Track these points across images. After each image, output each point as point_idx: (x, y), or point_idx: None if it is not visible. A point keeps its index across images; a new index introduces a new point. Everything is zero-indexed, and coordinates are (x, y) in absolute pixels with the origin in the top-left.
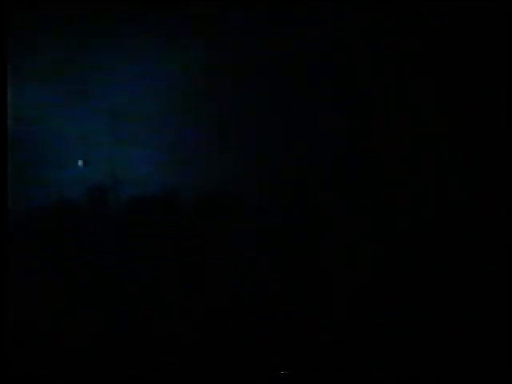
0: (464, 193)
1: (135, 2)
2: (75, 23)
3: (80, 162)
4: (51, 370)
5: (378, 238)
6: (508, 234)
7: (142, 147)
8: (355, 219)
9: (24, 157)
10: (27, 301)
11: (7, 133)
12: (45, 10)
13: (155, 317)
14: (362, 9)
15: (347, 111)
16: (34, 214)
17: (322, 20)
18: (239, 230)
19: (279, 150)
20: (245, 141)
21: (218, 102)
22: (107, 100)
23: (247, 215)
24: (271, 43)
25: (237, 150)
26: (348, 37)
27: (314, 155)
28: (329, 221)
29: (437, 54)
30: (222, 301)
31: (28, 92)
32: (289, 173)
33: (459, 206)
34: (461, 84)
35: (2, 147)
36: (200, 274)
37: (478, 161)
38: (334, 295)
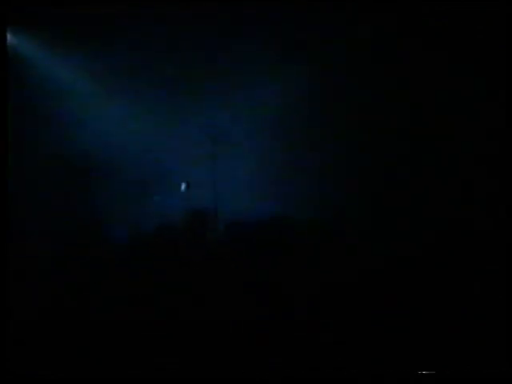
0: None
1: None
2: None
3: (183, 186)
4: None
5: None
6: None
7: (244, 173)
8: None
9: (131, 179)
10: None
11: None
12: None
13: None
14: None
15: None
16: (138, 236)
17: None
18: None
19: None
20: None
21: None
22: (211, 125)
23: (351, 241)
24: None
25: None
26: None
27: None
28: None
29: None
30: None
31: (135, 121)
32: None
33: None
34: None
35: (2, 148)
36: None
37: None
38: None
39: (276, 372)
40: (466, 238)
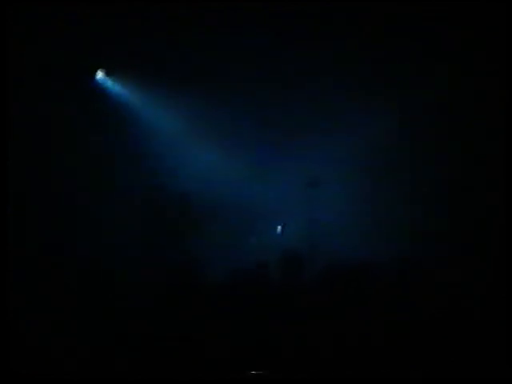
0: None
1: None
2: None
3: (279, 228)
4: None
5: None
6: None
7: (338, 216)
8: None
9: (227, 222)
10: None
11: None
12: None
13: None
14: None
15: None
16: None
17: None
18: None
19: None
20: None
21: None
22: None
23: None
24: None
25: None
26: None
27: None
28: None
29: None
30: None
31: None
32: None
33: None
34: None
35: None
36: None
37: None
38: None
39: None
40: None
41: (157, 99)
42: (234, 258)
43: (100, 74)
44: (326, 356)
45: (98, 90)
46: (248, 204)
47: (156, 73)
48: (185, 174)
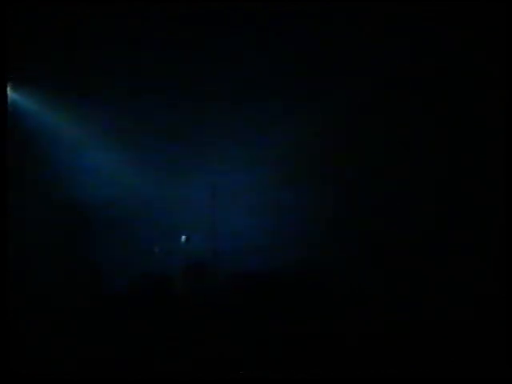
0: None
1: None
2: None
3: (183, 238)
4: None
5: None
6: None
7: (243, 223)
8: None
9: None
10: None
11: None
12: None
13: None
14: None
15: None
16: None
17: None
18: None
19: None
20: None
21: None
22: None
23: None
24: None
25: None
26: None
27: None
28: None
29: None
30: None
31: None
32: None
33: None
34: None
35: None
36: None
37: None
38: None
39: None
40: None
41: (58, 106)
42: (137, 267)
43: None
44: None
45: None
46: (153, 213)
47: (55, 81)
48: (88, 181)
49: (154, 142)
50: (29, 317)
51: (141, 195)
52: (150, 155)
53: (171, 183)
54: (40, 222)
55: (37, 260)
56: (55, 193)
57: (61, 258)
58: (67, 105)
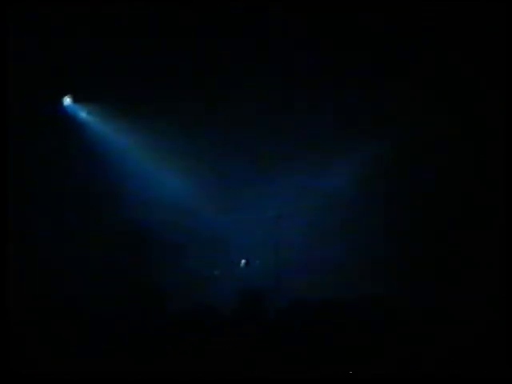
0: None
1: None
2: None
3: (243, 262)
4: None
5: None
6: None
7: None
8: None
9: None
10: None
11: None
12: None
13: None
14: None
15: None
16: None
17: None
18: None
19: None
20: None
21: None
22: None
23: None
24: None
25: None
26: None
27: None
28: None
29: None
30: None
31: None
32: None
33: None
34: None
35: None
36: None
37: None
38: None
39: None
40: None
41: (123, 125)
42: (199, 291)
43: (67, 101)
44: None
45: (65, 116)
46: (214, 236)
47: (121, 99)
48: (153, 206)
49: (220, 164)
50: (92, 341)
51: (203, 219)
52: (215, 176)
53: (235, 207)
54: (103, 244)
55: (101, 281)
56: (119, 215)
57: (124, 279)
58: (140, 127)
